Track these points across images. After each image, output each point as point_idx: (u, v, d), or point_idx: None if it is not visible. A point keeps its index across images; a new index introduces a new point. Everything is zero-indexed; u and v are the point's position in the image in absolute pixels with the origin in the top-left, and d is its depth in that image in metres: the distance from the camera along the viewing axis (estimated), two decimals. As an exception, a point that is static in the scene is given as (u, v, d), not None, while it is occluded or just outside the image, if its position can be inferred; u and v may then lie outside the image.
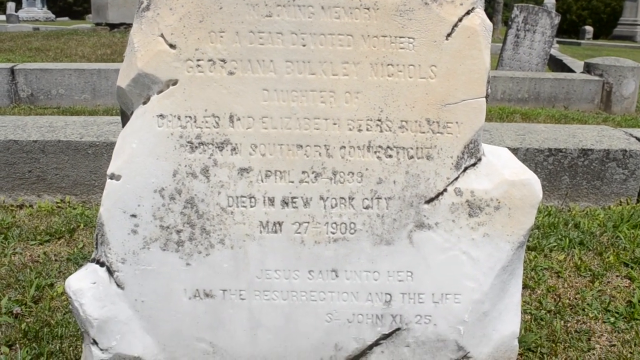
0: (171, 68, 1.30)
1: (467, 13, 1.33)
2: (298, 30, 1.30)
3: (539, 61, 6.40)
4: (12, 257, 2.17)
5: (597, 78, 5.65)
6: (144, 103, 1.33)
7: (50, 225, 2.47)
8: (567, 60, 8.66)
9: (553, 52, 11.18)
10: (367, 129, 1.33)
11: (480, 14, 1.35)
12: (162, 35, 1.30)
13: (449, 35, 1.33)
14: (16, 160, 2.79)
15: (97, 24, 10.37)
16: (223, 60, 1.30)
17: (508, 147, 2.88)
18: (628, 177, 2.95)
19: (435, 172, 1.36)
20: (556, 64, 8.93)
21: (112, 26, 10.08)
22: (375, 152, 1.34)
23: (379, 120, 1.33)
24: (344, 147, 1.33)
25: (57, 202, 2.79)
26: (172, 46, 1.30)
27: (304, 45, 1.30)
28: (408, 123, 1.34)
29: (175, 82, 1.30)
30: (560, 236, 2.35)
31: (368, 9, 1.30)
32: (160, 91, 1.32)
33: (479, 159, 1.38)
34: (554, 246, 2.25)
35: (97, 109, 5.20)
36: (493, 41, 21.72)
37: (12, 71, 5.41)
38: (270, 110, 1.32)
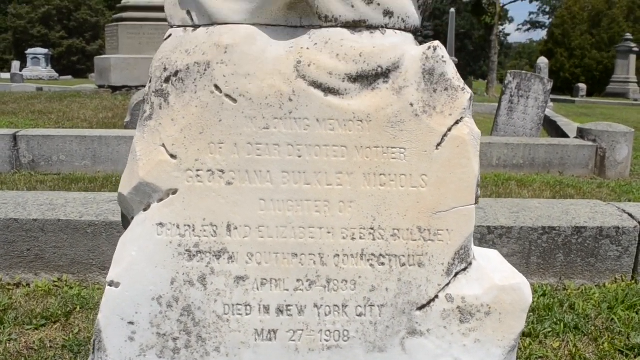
0: (172, 178, 1.35)
1: (456, 123, 1.39)
2: (294, 142, 1.35)
3: (533, 126, 6.52)
4: (7, 345, 2.17)
5: (590, 143, 5.74)
6: (145, 210, 1.37)
7: (46, 307, 2.48)
8: (562, 122, 8.80)
9: (548, 112, 11.38)
10: (360, 238, 1.37)
11: (468, 124, 1.41)
12: (163, 145, 1.36)
13: (438, 145, 1.38)
14: (15, 239, 2.82)
15: (100, 86, 10.57)
16: (222, 171, 1.35)
17: (502, 226, 2.92)
18: (622, 253, 2.97)
19: (426, 279, 1.39)
20: (551, 126, 9.08)
21: (115, 89, 10.27)
22: (368, 260, 1.37)
23: (372, 228, 1.37)
24: (338, 255, 1.37)
25: (55, 281, 2.79)
26: (173, 156, 1.35)
27: (299, 157, 1.35)
28: (400, 231, 1.38)
29: (175, 192, 1.35)
30: (555, 320, 2.36)
31: (361, 121, 1.36)
32: (161, 199, 1.36)
33: (470, 264, 1.42)
34: (549, 332, 2.26)
35: (97, 176, 5.26)
36: (488, 100, 21.98)
37: (14, 137, 5.49)
38: (266, 220, 1.36)
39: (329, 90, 1.33)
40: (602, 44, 44.18)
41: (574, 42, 44.19)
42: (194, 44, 1.32)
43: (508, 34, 79.38)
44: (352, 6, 1.32)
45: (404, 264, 1.38)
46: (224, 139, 1.35)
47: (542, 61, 19.01)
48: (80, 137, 5.48)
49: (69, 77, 31.69)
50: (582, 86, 36.61)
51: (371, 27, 1.35)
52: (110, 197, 3.12)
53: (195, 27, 1.35)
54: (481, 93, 43.97)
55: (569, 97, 32.18)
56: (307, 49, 1.33)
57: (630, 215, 3.15)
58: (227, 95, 1.33)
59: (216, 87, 1.33)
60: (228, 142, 1.35)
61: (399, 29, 1.38)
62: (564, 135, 7.23)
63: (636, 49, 32.50)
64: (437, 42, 1.38)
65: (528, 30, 73.44)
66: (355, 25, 1.34)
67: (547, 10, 69.65)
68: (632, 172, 5.98)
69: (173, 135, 1.35)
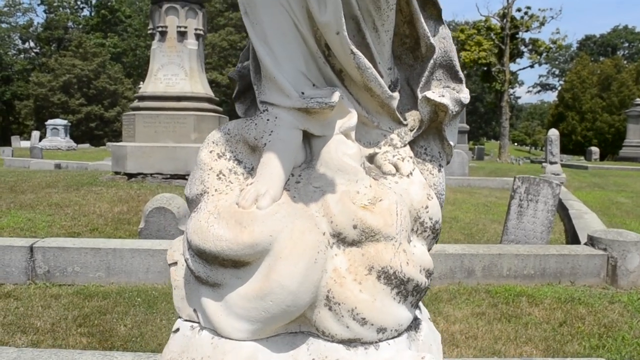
0: None
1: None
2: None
3: (544, 229, 6.54)
4: None
5: (601, 252, 5.74)
6: None
7: None
8: (574, 211, 8.83)
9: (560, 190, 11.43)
10: None
11: None
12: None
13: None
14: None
15: (116, 173, 10.80)
16: None
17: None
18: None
19: None
20: (564, 211, 9.12)
21: (130, 175, 10.50)
22: None
23: None
24: None
25: None
26: None
27: None
28: None
29: None
30: None
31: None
32: None
33: None
34: None
35: (110, 289, 5.33)
36: (500, 169, 21.82)
37: (31, 249, 5.61)
38: None
39: None
40: (613, 107, 44.54)
41: (585, 105, 44.61)
42: (199, 355, 1.39)
43: (519, 97, 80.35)
44: (347, 327, 1.39)
45: None
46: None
47: (553, 133, 19.11)
48: (95, 249, 5.58)
49: (87, 145, 32.40)
50: (595, 149, 36.78)
51: (365, 343, 1.42)
52: None
53: (202, 327, 1.43)
54: (494, 155, 44.27)
55: (581, 161, 32.25)
56: None
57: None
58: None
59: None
60: None
61: (393, 337, 1.44)
62: (575, 234, 7.24)
63: (647, 114, 32.74)
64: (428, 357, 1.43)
65: (539, 92, 74.25)
66: (350, 342, 1.41)
67: (557, 72, 70.77)
68: (645, 278, 5.93)
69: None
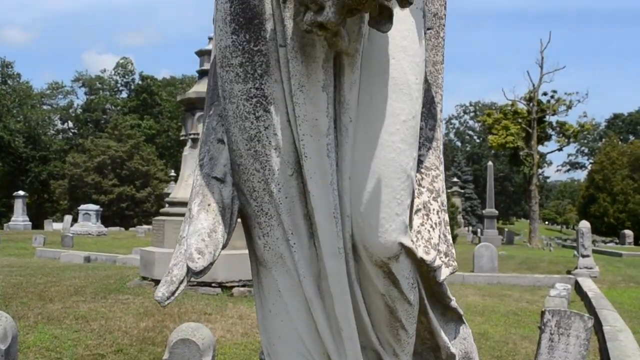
0: None
1: None
2: None
3: (577, 364, 6.30)
4: None
5: (638, 397, 5.49)
6: None
7: None
8: (607, 327, 8.54)
9: (590, 292, 11.03)
10: None
11: None
12: None
13: None
14: None
15: (144, 278, 10.89)
16: None
17: None
18: None
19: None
20: (597, 320, 8.82)
21: (157, 282, 10.56)
22: None
23: None
24: None
25: None
26: None
27: None
28: None
29: None
30: None
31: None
32: None
33: None
34: None
35: None
36: (531, 259, 21.33)
37: (54, 385, 5.60)
38: None
39: None
40: (645, 187, 43.83)
41: (616, 187, 44.01)
42: None
43: (547, 177, 79.88)
44: None
45: None
46: None
47: (584, 225, 18.73)
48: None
49: (117, 228, 32.92)
50: (629, 233, 35.94)
51: None
52: None
53: None
54: (524, 236, 43.48)
55: (615, 248, 31.42)
56: None
57: None
58: None
59: None
60: None
61: None
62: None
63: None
64: None
65: (568, 170, 73.75)
66: None
67: (586, 151, 70.37)
68: None
69: None
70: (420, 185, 1.79)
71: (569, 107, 36.88)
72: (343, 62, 1.58)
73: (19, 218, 30.92)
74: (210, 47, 10.52)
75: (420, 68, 1.70)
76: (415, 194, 1.74)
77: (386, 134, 1.61)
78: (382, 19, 1.36)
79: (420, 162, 1.80)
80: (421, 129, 1.73)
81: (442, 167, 1.78)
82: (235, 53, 1.65)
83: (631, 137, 64.21)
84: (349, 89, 1.60)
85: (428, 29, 1.82)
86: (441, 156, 1.80)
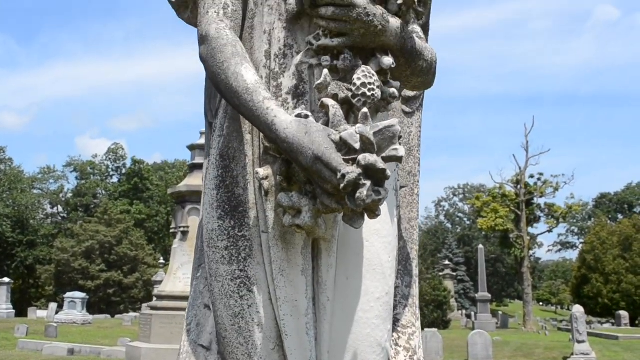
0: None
1: None
2: None
3: None
4: None
5: None
6: None
7: None
8: None
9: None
10: None
11: None
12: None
13: None
14: None
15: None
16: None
17: None
18: None
19: None
20: None
21: None
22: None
23: None
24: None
25: None
26: None
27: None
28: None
29: None
30: None
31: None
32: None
33: None
34: None
35: None
36: (526, 346, 20.98)
37: None
38: None
39: None
40: (637, 267, 43.65)
41: (608, 267, 43.81)
42: None
43: (539, 258, 79.78)
44: None
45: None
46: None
47: (578, 310, 18.46)
48: None
49: (103, 316, 32.16)
50: (624, 314, 35.50)
51: None
52: None
53: None
54: (518, 318, 42.82)
55: (611, 327, 30.96)
56: None
57: None
58: None
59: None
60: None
61: None
62: None
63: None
64: None
65: (559, 250, 73.75)
66: None
67: (575, 231, 70.66)
68: None
69: None
70: (397, 344, 1.94)
71: (556, 189, 37.41)
72: (321, 246, 1.74)
73: (2, 306, 30.10)
74: (202, 141, 10.67)
75: (392, 246, 1.86)
76: (392, 355, 1.87)
77: (361, 312, 1.75)
78: (355, 216, 1.52)
79: (396, 320, 1.96)
80: (397, 287, 1.92)
81: (418, 324, 1.97)
82: (221, 237, 1.80)
83: (619, 216, 64.69)
84: (326, 271, 1.75)
85: (402, 187, 1.99)
86: (417, 312, 1.98)
